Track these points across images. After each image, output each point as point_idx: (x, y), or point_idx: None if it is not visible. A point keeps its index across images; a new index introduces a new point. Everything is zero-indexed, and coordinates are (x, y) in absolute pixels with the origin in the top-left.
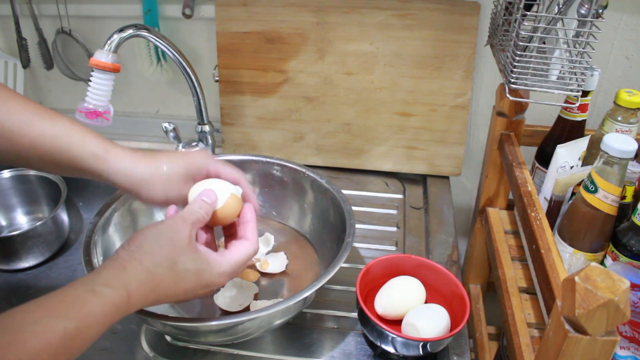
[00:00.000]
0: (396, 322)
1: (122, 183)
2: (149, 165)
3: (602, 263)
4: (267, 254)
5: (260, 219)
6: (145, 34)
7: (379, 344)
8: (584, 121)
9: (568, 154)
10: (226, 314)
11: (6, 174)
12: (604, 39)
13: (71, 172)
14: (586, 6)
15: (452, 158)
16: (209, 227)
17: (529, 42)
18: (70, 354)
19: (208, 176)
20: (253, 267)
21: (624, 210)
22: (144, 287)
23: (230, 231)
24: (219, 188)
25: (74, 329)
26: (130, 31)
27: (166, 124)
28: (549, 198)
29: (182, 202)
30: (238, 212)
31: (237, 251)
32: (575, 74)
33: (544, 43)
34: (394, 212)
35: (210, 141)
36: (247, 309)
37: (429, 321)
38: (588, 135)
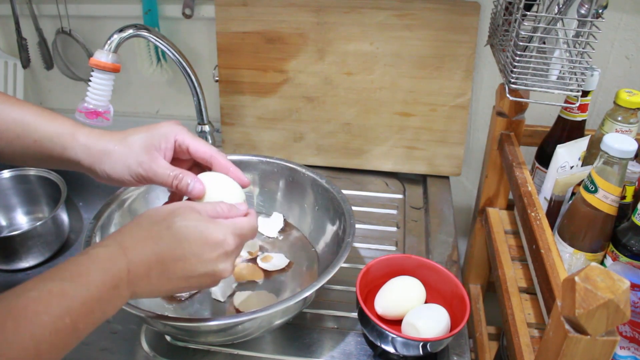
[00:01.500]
0: (396, 322)
1: (84, 159)
2: (112, 138)
3: (602, 263)
4: (279, 231)
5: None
6: (145, 34)
7: (379, 344)
8: (584, 121)
9: (568, 154)
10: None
11: (6, 174)
12: (604, 39)
13: (39, 156)
14: (586, 6)
15: (452, 158)
16: None
17: (529, 42)
18: (76, 316)
19: (178, 147)
20: (256, 263)
21: (624, 210)
22: (141, 242)
23: None
24: (227, 186)
25: (71, 289)
26: (130, 31)
27: None
28: (549, 198)
29: (145, 177)
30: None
31: (240, 219)
32: (575, 74)
33: (544, 43)
34: (394, 212)
35: (210, 141)
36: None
37: (429, 321)
38: (588, 135)
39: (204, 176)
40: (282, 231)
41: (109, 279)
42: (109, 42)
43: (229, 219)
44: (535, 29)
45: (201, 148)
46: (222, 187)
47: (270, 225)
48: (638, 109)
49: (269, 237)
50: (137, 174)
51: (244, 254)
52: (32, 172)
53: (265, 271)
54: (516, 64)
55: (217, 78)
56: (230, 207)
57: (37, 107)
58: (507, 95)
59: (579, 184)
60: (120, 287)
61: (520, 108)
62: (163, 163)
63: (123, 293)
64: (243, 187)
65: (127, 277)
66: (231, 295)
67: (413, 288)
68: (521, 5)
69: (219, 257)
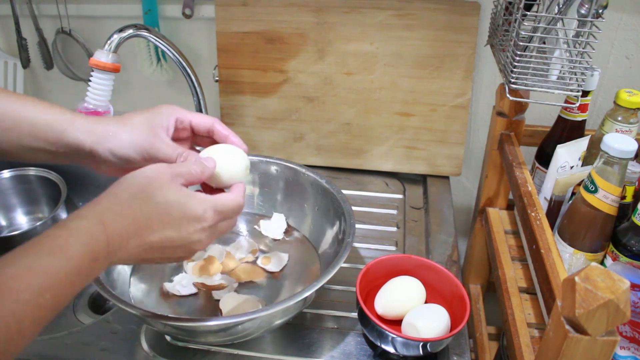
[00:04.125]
0: (396, 322)
1: (85, 140)
2: (112, 120)
3: (602, 263)
4: (284, 232)
5: (259, 218)
6: (145, 34)
7: (379, 344)
8: (584, 121)
9: (568, 154)
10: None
11: (6, 174)
12: (604, 39)
13: (35, 144)
14: (586, 6)
15: (452, 158)
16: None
17: (529, 42)
18: (57, 290)
19: (179, 124)
20: (256, 265)
21: (624, 210)
22: (121, 216)
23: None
24: (227, 150)
25: (50, 264)
26: (130, 31)
27: None
28: (549, 198)
29: (152, 154)
30: (246, 175)
31: (223, 195)
32: (575, 74)
33: (544, 43)
34: (394, 212)
35: None
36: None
37: (429, 321)
38: (588, 135)
39: (206, 151)
40: (283, 231)
41: (88, 252)
42: (109, 42)
43: (213, 195)
44: (535, 29)
45: (202, 120)
46: (226, 157)
47: (274, 227)
48: (638, 109)
49: (275, 240)
50: (144, 151)
51: (244, 255)
52: (32, 172)
53: (265, 271)
54: (516, 64)
55: (217, 78)
56: (202, 168)
57: (34, 98)
58: (507, 95)
59: (579, 184)
60: (99, 260)
61: (520, 108)
62: (168, 141)
63: (102, 264)
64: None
65: (106, 250)
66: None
67: (413, 288)
68: (521, 5)
69: (195, 231)
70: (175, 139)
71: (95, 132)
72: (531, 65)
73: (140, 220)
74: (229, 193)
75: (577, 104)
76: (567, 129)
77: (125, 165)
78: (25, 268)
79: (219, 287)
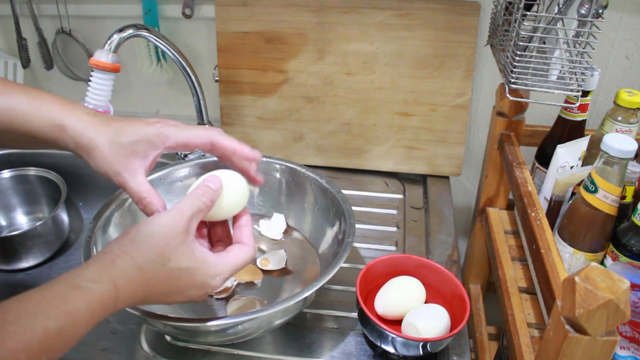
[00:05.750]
0: (396, 322)
1: (75, 150)
2: (102, 130)
3: (602, 263)
4: (283, 232)
5: (259, 218)
6: (145, 34)
7: (379, 344)
8: (584, 121)
9: (568, 154)
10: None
11: (6, 174)
12: (604, 39)
13: (35, 144)
14: (586, 6)
15: (452, 158)
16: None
17: (529, 42)
18: (53, 354)
19: (169, 150)
20: (255, 266)
21: (624, 210)
22: (133, 283)
23: (218, 234)
24: (224, 176)
25: (55, 327)
26: (130, 31)
27: None
28: (549, 198)
29: (119, 186)
30: (244, 204)
31: (235, 255)
32: (575, 74)
33: (544, 43)
34: (394, 212)
35: None
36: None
37: (429, 321)
38: (588, 135)
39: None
40: (283, 232)
41: (95, 317)
42: (109, 42)
43: (225, 259)
44: (535, 29)
45: (198, 140)
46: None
47: (273, 227)
48: (638, 109)
49: (274, 240)
50: (114, 181)
51: None
52: (32, 172)
53: (264, 271)
54: (516, 64)
55: (217, 78)
56: (211, 197)
57: (25, 92)
58: (507, 95)
59: (579, 184)
60: (105, 317)
61: (520, 108)
62: (138, 181)
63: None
64: (255, 184)
65: (111, 311)
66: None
67: (413, 288)
68: (521, 5)
69: (200, 295)
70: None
71: (80, 145)
72: (531, 65)
73: (151, 286)
74: (240, 249)
75: (577, 104)
76: (567, 129)
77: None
78: (28, 329)
79: (222, 292)
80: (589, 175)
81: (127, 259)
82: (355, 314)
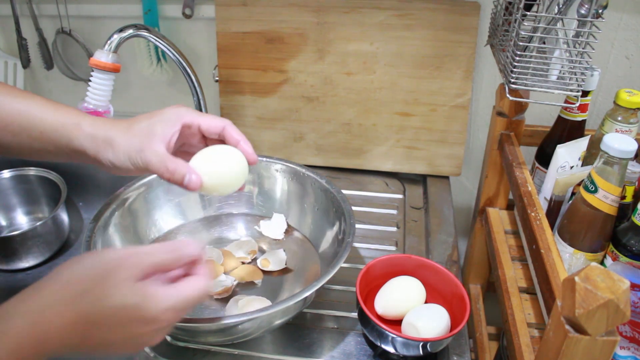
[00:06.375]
0: (396, 322)
1: (89, 149)
2: (116, 126)
3: (602, 263)
4: (284, 232)
5: (260, 218)
6: (145, 34)
7: (379, 344)
8: (584, 121)
9: (568, 154)
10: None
11: (6, 174)
12: (604, 39)
13: (46, 147)
14: (586, 6)
15: (452, 158)
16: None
17: (529, 42)
18: None
19: (187, 129)
20: (255, 266)
21: (624, 210)
22: (61, 318)
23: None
24: (222, 154)
25: None
26: (130, 31)
27: None
28: (549, 198)
29: (143, 167)
30: (242, 184)
31: (185, 285)
32: (575, 74)
33: (544, 43)
34: (394, 212)
35: None
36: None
37: (429, 321)
38: (588, 135)
39: (206, 150)
40: (284, 231)
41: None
42: (109, 42)
43: (174, 290)
44: (535, 29)
45: (212, 123)
46: (224, 162)
47: (274, 227)
48: (638, 109)
49: (274, 240)
50: (136, 164)
51: (244, 255)
52: (32, 172)
53: (264, 272)
54: (516, 64)
55: (217, 78)
56: (174, 257)
57: (40, 98)
58: (507, 95)
59: (579, 184)
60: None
61: (520, 108)
62: (160, 153)
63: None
64: (250, 163)
65: (34, 352)
66: (230, 297)
67: (413, 288)
68: (521, 5)
69: (148, 333)
70: (185, 144)
71: (97, 141)
72: (531, 65)
73: (83, 325)
74: (192, 281)
75: (577, 104)
76: (567, 129)
77: (127, 172)
78: None
79: (222, 292)
80: (589, 175)
81: (62, 284)
82: (355, 314)
